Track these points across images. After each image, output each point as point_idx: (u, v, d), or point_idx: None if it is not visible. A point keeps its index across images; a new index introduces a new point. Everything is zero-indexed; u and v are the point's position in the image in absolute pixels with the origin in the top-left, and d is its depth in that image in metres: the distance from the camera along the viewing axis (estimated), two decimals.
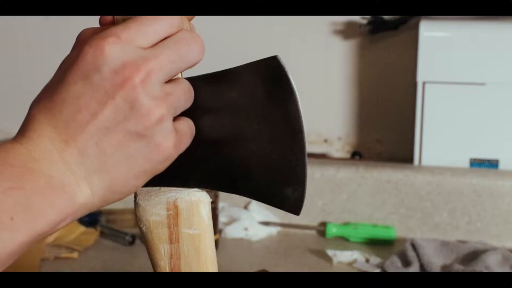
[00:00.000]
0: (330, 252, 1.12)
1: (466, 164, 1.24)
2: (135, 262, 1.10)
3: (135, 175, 0.44)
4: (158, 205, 0.50)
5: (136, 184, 0.45)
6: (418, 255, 1.06)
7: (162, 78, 0.44)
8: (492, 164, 1.24)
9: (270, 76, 0.46)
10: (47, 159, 0.42)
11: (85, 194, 0.43)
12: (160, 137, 0.44)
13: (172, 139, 0.44)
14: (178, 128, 0.45)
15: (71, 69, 0.43)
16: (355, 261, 1.10)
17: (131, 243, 1.17)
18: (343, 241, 1.20)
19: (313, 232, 1.24)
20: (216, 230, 1.16)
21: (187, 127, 0.47)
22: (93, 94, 0.42)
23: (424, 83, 1.23)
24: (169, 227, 0.50)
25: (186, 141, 0.46)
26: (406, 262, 1.06)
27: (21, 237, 0.40)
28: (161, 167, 0.45)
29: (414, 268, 1.04)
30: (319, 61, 1.41)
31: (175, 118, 0.45)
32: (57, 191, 0.42)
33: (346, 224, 1.22)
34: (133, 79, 0.42)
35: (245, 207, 1.27)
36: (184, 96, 0.46)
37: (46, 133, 0.43)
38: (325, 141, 1.43)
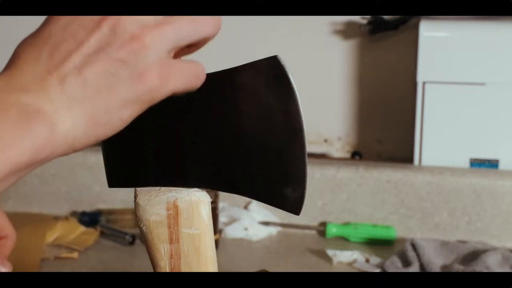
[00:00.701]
0: (330, 252, 1.12)
1: (466, 164, 1.24)
2: (135, 262, 1.10)
3: (118, 104, 0.42)
4: (158, 205, 0.50)
5: (120, 116, 0.43)
6: (418, 255, 1.06)
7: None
8: (492, 164, 1.24)
9: (270, 76, 0.46)
10: (24, 89, 0.41)
11: (66, 124, 0.41)
12: (143, 65, 0.42)
13: (157, 70, 0.42)
14: (174, 63, 0.43)
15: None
16: (355, 261, 1.10)
17: (131, 243, 1.17)
18: (343, 241, 1.20)
19: (313, 232, 1.24)
20: (216, 230, 1.16)
21: (187, 66, 0.45)
22: (80, 22, 0.42)
23: (424, 83, 1.23)
24: (169, 227, 0.50)
25: (178, 78, 0.44)
26: (406, 262, 1.06)
27: None
28: (147, 98, 0.43)
29: (414, 268, 1.04)
30: (319, 61, 1.41)
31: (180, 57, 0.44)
32: (32, 118, 0.40)
33: (346, 224, 1.22)
34: None
35: (245, 207, 1.27)
36: (186, 28, 0.44)
37: (28, 67, 0.42)
38: (325, 141, 1.43)
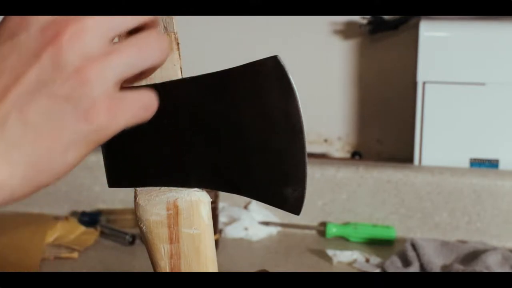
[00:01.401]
0: (330, 252, 1.12)
1: (466, 164, 1.24)
2: (135, 262, 1.10)
3: (63, 147, 0.38)
4: (158, 205, 0.50)
5: (65, 160, 0.39)
6: (418, 255, 1.06)
7: (100, 38, 0.38)
8: (492, 164, 1.24)
9: (270, 76, 0.46)
10: None
11: (2, 174, 0.37)
12: (89, 101, 0.38)
13: (104, 106, 0.38)
14: (121, 96, 0.39)
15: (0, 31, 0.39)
16: (355, 261, 1.10)
17: (131, 243, 1.17)
18: (343, 241, 1.20)
19: (313, 232, 1.24)
20: (216, 230, 1.16)
21: (135, 98, 0.40)
22: (19, 54, 0.38)
23: (424, 83, 1.23)
24: (169, 227, 0.50)
25: (128, 112, 0.40)
26: (406, 262, 1.06)
27: None
28: (94, 138, 0.39)
29: (414, 268, 1.04)
30: (319, 61, 1.41)
31: (130, 86, 0.41)
32: None
33: (346, 224, 1.22)
34: (62, 35, 0.37)
35: (245, 207, 1.27)
36: (133, 56, 0.39)
37: None
38: (325, 141, 1.43)
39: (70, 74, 0.37)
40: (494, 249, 1.09)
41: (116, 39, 0.41)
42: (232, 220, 1.24)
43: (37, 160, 0.38)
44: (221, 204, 1.24)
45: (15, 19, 0.39)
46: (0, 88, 0.37)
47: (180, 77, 0.49)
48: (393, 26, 1.33)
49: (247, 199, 1.23)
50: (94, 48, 0.38)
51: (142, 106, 0.41)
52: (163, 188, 0.51)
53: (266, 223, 1.24)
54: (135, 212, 0.51)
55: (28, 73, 0.37)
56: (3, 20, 0.39)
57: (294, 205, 0.48)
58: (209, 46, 1.42)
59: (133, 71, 0.40)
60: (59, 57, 0.37)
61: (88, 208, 1.31)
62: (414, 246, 1.07)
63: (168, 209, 0.50)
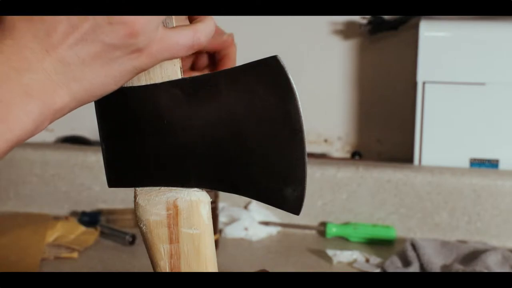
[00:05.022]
0: (330, 252, 1.12)
1: (466, 164, 1.24)
2: (135, 262, 1.10)
3: (114, 79, 0.46)
4: (158, 205, 0.50)
5: (115, 86, 0.47)
6: (418, 255, 1.06)
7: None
8: (492, 164, 1.24)
9: (270, 76, 0.46)
10: (26, 68, 0.43)
11: (64, 100, 0.45)
12: (134, 49, 0.45)
13: (147, 51, 0.46)
14: (163, 38, 0.46)
15: None
16: (355, 261, 1.10)
17: (131, 243, 1.17)
18: (343, 241, 1.20)
19: (313, 232, 1.24)
20: (216, 230, 1.16)
21: (175, 39, 0.47)
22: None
23: (424, 83, 1.23)
24: (169, 227, 0.50)
25: (166, 52, 0.47)
26: (406, 262, 1.06)
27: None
28: (139, 70, 0.47)
29: (414, 268, 1.04)
30: (319, 61, 1.41)
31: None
32: (34, 100, 0.43)
33: (346, 224, 1.22)
34: None
35: (245, 207, 1.27)
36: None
37: (26, 42, 0.44)
38: (325, 141, 1.43)
39: (120, 29, 0.44)
40: (494, 249, 1.09)
41: None
42: (232, 220, 1.24)
43: (92, 88, 0.46)
44: (221, 204, 1.24)
45: None
46: (60, 33, 0.44)
47: (180, 77, 0.49)
48: (393, 26, 1.33)
49: (247, 199, 1.23)
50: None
51: (183, 47, 0.47)
52: (163, 188, 0.51)
53: (266, 223, 1.24)
54: (135, 212, 0.51)
55: (84, 23, 0.44)
56: None
57: (294, 205, 0.48)
58: None
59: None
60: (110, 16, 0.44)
61: (88, 208, 1.31)
62: (414, 246, 1.07)
63: (168, 209, 0.50)
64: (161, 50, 0.46)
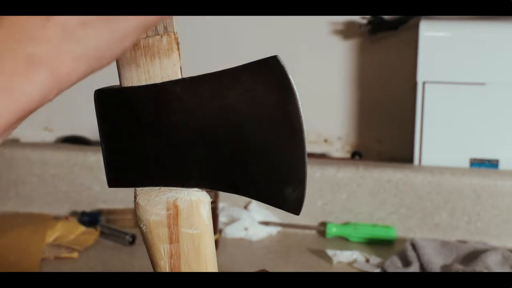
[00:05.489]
0: (330, 252, 1.12)
1: (466, 164, 1.24)
2: (135, 262, 1.10)
3: (120, 37, 0.45)
4: (158, 205, 0.50)
5: (122, 46, 0.45)
6: (418, 255, 1.06)
7: None
8: (492, 164, 1.24)
9: (270, 76, 0.46)
10: (28, 39, 0.43)
11: (70, 67, 0.44)
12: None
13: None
14: None
15: None
16: (355, 261, 1.10)
17: (131, 243, 1.17)
18: (343, 241, 1.20)
19: (313, 232, 1.24)
20: (216, 230, 1.17)
21: None
22: None
23: (424, 83, 1.23)
24: (169, 227, 0.50)
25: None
26: (406, 262, 1.06)
27: (6, 118, 0.42)
28: (142, 27, 0.46)
29: (414, 268, 1.04)
30: (319, 61, 1.41)
31: None
32: (38, 68, 0.42)
33: (346, 224, 1.22)
34: None
35: (245, 207, 1.27)
36: None
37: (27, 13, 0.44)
38: (325, 141, 1.43)
39: None
40: (494, 249, 1.09)
41: None
42: (232, 220, 1.24)
43: (98, 50, 0.44)
44: (221, 204, 1.24)
45: None
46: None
47: (180, 77, 0.49)
48: (393, 26, 1.33)
49: (247, 199, 1.23)
50: None
51: None
52: (163, 188, 0.50)
53: (266, 223, 1.24)
54: (135, 212, 0.51)
55: None
56: None
57: (294, 205, 0.48)
58: (209, 46, 1.42)
59: None
60: None
61: (88, 208, 1.31)
62: (414, 246, 1.07)
63: (168, 209, 0.50)
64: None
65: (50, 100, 0.44)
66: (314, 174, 1.24)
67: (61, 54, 0.43)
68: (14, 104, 0.42)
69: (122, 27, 0.45)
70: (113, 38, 0.45)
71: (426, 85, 1.23)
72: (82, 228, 1.21)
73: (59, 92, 0.44)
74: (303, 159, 0.47)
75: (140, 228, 0.51)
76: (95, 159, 1.29)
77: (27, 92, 0.42)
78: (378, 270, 1.06)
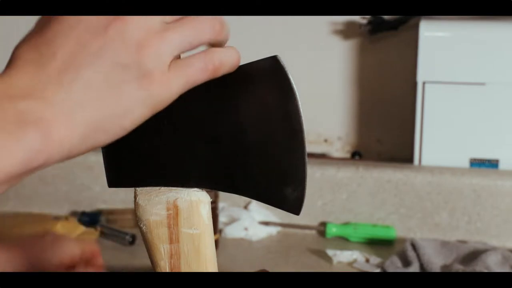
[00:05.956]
0: (330, 252, 1.12)
1: (466, 164, 1.24)
2: (135, 262, 1.10)
3: (122, 111, 0.42)
4: (158, 205, 0.50)
5: (122, 123, 0.42)
6: (418, 255, 1.06)
7: (161, 19, 0.43)
8: (492, 164, 1.24)
9: (270, 76, 0.46)
10: (23, 95, 0.39)
11: (63, 131, 0.40)
12: (144, 72, 0.42)
13: (158, 76, 0.42)
14: (176, 66, 0.43)
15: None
16: (355, 261, 1.10)
17: (131, 243, 1.17)
18: (343, 241, 1.20)
19: (313, 232, 1.24)
20: (216, 230, 1.17)
21: (189, 63, 0.44)
22: (86, 26, 0.41)
23: (424, 83, 1.23)
24: (169, 227, 0.50)
25: (181, 78, 0.43)
26: (406, 262, 1.06)
27: None
28: (149, 103, 0.43)
29: (414, 268, 1.04)
30: (319, 61, 1.41)
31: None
32: (27, 127, 0.39)
33: (346, 224, 1.22)
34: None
35: (245, 207, 1.27)
36: (187, 34, 0.43)
37: (29, 69, 0.41)
38: (325, 141, 1.43)
39: (131, 46, 0.41)
40: (494, 249, 1.09)
41: None
42: (232, 220, 1.24)
43: (97, 121, 0.41)
44: (221, 204, 1.24)
45: None
46: (67, 55, 0.41)
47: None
48: (393, 26, 1.33)
49: (247, 199, 1.23)
50: (155, 24, 0.42)
51: (196, 70, 0.44)
52: (163, 188, 0.50)
53: (266, 223, 1.24)
54: (135, 212, 0.51)
55: (94, 41, 0.41)
56: None
57: (294, 205, 0.48)
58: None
59: (188, 47, 0.44)
60: (124, 30, 0.41)
61: (88, 208, 1.31)
62: (414, 246, 1.07)
63: (168, 209, 0.50)
64: (175, 76, 0.43)
65: (35, 168, 0.40)
66: (314, 174, 1.24)
67: (58, 117, 0.40)
68: None
69: (128, 99, 0.42)
70: (117, 111, 0.42)
71: (426, 85, 1.23)
72: (82, 228, 1.22)
73: (47, 161, 0.40)
74: (303, 159, 0.47)
75: (140, 228, 0.51)
76: (95, 159, 1.29)
77: (10, 150, 0.38)
78: (378, 270, 1.06)
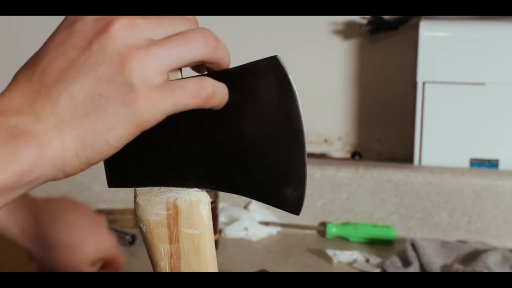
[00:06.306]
0: (330, 252, 1.12)
1: (466, 164, 1.24)
2: (135, 262, 1.10)
3: (106, 127, 0.41)
4: (158, 205, 0.50)
5: (107, 139, 0.42)
6: (418, 255, 1.06)
7: (147, 33, 0.42)
8: (492, 164, 1.24)
9: (269, 76, 0.46)
10: (14, 111, 0.40)
11: (55, 146, 0.41)
12: (128, 87, 0.41)
13: (144, 92, 0.41)
14: (166, 85, 0.42)
15: (60, 24, 0.43)
16: (355, 261, 1.10)
17: (131, 243, 1.17)
18: (343, 241, 1.20)
19: (313, 232, 1.24)
20: (216, 230, 1.17)
21: (180, 85, 0.43)
22: (72, 40, 0.42)
23: (424, 83, 1.23)
24: (169, 227, 0.50)
25: (169, 100, 0.42)
26: (406, 262, 1.06)
27: None
28: (134, 121, 0.42)
29: (414, 268, 1.04)
30: (319, 61, 1.41)
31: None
32: (20, 141, 0.39)
33: (346, 224, 1.22)
34: (114, 24, 0.41)
35: (245, 207, 1.27)
36: (176, 50, 0.42)
37: (21, 88, 0.41)
38: (325, 141, 1.43)
39: (114, 60, 0.41)
40: (494, 249, 1.09)
41: None
42: (232, 220, 1.24)
43: (84, 136, 0.41)
44: (221, 204, 1.24)
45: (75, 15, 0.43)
46: (55, 70, 0.41)
47: (180, 77, 0.49)
48: (393, 26, 1.33)
49: (247, 199, 1.23)
50: (141, 40, 0.42)
51: (188, 94, 0.43)
52: (163, 188, 0.50)
53: (266, 223, 1.24)
54: (135, 212, 0.51)
55: (79, 56, 0.41)
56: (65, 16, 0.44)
57: (294, 205, 0.48)
58: None
59: (179, 63, 0.43)
60: (107, 43, 0.41)
61: None
62: (414, 246, 1.07)
63: (168, 209, 0.50)
64: (162, 95, 0.42)
65: (29, 181, 0.40)
66: (314, 174, 1.24)
67: (48, 132, 0.40)
68: None
69: (113, 115, 0.41)
70: (99, 126, 0.41)
71: (426, 85, 1.23)
72: None
73: (41, 175, 0.41)
74: (303, 159, 0.47)
75: (140, 228, 0.51)
76: None
77: (2, 162, 0.39)
78: (378, 270, 1.06)
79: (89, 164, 0.43)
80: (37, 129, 0.40)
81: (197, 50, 0.43)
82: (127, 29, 0.41)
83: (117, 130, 0.42)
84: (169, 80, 0.43)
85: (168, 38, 0.43)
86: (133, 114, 0.42)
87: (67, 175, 0.43)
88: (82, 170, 0.43)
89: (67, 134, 0.41)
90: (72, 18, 0.43)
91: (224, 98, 0.45)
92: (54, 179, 0.43)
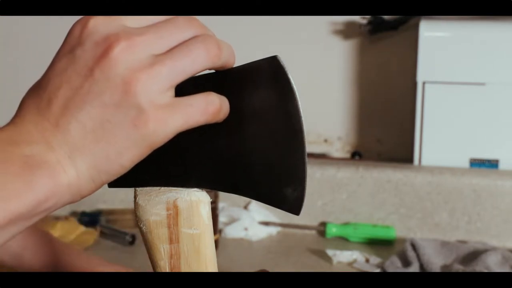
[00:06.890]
0: (330, 252, 1.12)
1: (466, 164, 1.25)
2: (135, 262, 1.10)
3: (118, 151, 0.42)
4: (158, 205, 0.50)
5: (120, 163, 0.42)
6: (418, 255, 1.06)
7: (147, 52, 0.42)
8: (492, 164, 1.24)
9: (269, 76, 0.46)
10: (27, 141, 0.41)
11: (69, 174, 0.41)
12: (136, 110, 0.41)
13: (152, 113, 0.41)
14: (173, 103, 0.42)
15: (60, 48, 0.43)
16: (355, 261, 1.10)
17: (131, 243, 1.17)
18: (343, 241, 1.20)
19: (313, 232, 1.24)
20: (216, 230, 1.17)
21: (188, 102, 0.43)
22: (74, 67, 0.42)
23: (424, 83, 1.23)
24: (169, 227, 0.50)
25: (178, 117, 0.43)
26: (406, 262, 1.06)
27: None
28: (145, 143, 0.42)
29: (414, 268, 1.04)
30: (319, 61, 1.41)
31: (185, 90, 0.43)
32: (35, 170, 0.40)
33: (346, 224, 1.22)
34: (113, 49, 0.41)
35: (245, 207, 1.27)
36: (179, 64, 0.42)
37: (31, 116, 0.42)
38: (325, 141, 1.43)
39: (118, 85, 0.41)
40: (494, 249, 1.09)
41: None
42: (232, 220, 1.24)
43: (98, 163, 0.42)
44: (221, 204, 1.24)
45: (73, 35, 0.42)
46: (61, 99, 0.41)
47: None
48: (393, 26, 1.33)
49: (247, 199, 1.23)
50: (141, 59, 0.41)
51: (196, 110, 0.43)
52: (163, 188, 0.50)
53: (266, 223, 1.24)
54: (135, 212, 0.51)
55: (83, 85, 0.41)
56: (66, 37, 0.43)
57: (294, 205, 0.48)
58: None
59: (182, 75, 0.43)
60: (109, 70, 0.41)
61: (88, 208, 1.31)
62: (414, 246, 1.07)
63: (168, 209, 0.50)
64: (172, 114, 0.42)
65: (46, 209, 0.41)
66: (314, 174, 1.24)
67: (61, 160, 0.41)
68: (5, 203, 0.38)
69: (124, 139, 0.42)
70: (111, 151, 0.42)
71: (426, 85, 1.23)
72: (82, 228, 1.21)
73: (57, 203, 0.41)
74: (303, 159, 0.47)
75: (140, 228, 0.51)
76: None
77: (19, 191, 0.39)
78: (378, 270, 1.06)
79: (105, 183, 0.44)
80: (50, 158, 0.41)
81: (200, 61, 0.43)
82: (127, 51, 0.41)
83: (130, 154, 0.42)
84: (175, 97, 0.43)
85: (170, 52, 0.43)
86: (144, 136, 0.42)
87: (84, 197, 0.44)
88: (98, 189, 0.44)
89: (80, 161, 0.42)
90: (70, 43, 0.43)
91: (227, 111, 0.46)
92: (71, 202, 0.43)
